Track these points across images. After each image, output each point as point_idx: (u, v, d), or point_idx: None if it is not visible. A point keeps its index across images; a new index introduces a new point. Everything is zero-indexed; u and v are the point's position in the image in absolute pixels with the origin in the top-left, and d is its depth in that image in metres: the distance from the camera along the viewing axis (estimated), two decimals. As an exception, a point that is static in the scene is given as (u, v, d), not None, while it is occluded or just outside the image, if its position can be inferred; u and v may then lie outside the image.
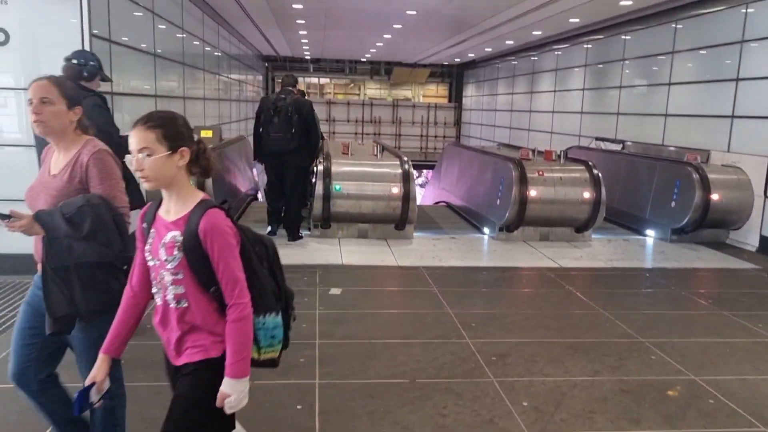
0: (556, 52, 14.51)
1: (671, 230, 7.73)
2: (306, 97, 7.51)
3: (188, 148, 1.97)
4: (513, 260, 6.71)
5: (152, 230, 2.00)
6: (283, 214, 7.19)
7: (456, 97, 24.14)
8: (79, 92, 2.57)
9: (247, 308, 1.93)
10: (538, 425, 3.19)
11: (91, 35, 5.31)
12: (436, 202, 11.39)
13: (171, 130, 1.95)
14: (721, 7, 8.50)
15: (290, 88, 6.91)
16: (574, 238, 7.62)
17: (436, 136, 23.27)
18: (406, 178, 7.23)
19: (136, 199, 4.04)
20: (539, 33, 13.56)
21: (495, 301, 5.29)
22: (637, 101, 10.86)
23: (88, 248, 2.29)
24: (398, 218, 7.27)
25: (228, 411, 1.92)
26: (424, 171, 21.39)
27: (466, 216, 9.08)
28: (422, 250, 6.92)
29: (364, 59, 23.20)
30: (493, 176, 8.11)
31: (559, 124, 14.10)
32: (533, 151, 8.30)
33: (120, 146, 4.09)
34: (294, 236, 7.10)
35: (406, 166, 7.33)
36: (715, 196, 7.35)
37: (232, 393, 1.90)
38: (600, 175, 7.49)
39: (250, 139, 9.24)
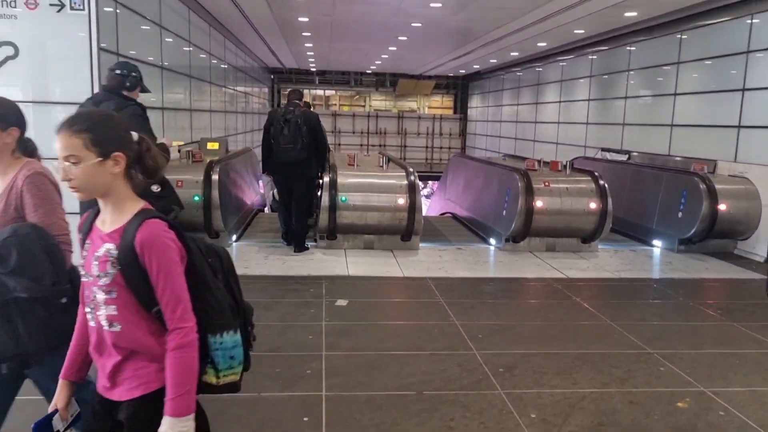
0: (561, 63, 14.54)
1: (678, 240, 7.69)
2: (312, 110, 7.63)
3: (123, 152, 1.74)
4: (519, 271, 6.68)
5: (88, 242, 1.80)
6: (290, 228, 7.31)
7: (461, 108, 24.19)
8: (12, 111, 2.44)
9: (190, 334, 1.69)
10: (547, 437, 3.17)
11: (99, 49, 5.36)
12: (442, 213, 11.38)
13: (100, 133, 1.72)
14: (726, 18, 8.50)
15: (297, 101, 7.07)
16: (580, 249, 7.60)
17: (441, 148, 23.30)
18: (412, 189, 7.23)
19: (173, 202, 4.18)
20: (544, 44, 13.59)
21: (502, 313, 5.27)
22: (642, 112, 10.86)
23: (18, 283, 2.11)
24: (404, 229, 7.27)
25: None
26: (430, 182, 21.40)
27: (472, 227, 9.07)
28: (428, 261, 6.91)
29: (370, 71, 23.29)
30: (499, 187, 8.11)
31: (565, 135, 14.10)
32: (539, 161, 8.30)
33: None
34: (300, 247, 7.14)
35: (412, 178, 7.34)
36: (722, 207, 7.32)
37: None
38: (606, 185, 7.47)
39: (256, 151, 9.28)
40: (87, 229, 1.82)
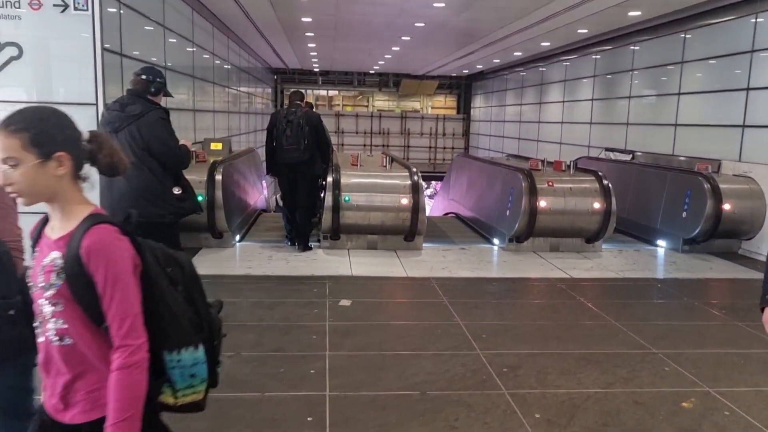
0: (564, 63, 14.52)
1: (683, 240, 7.67)
2: (314, 110, 7.69)
3: (67, 152, 1.59)
4: (523, 271, 6.67)
5: (36, 250, 1.67)
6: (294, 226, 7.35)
7: (464, 108, 24.17)
8: None
9: (138, 353, 1.53)
10: (551, 438, 3.16)
11: (103, 49, 5.37)
12: (445, 213, 11.37)
13: (40, 133, 1.56)
14: (731, 17, 8.48)
15: (298, 102, 7.15)
16: (584, 249, 7.58)
17: (444, 148, 23.29)
18: (416, 190, 7.22)
19: (194, 204, 4.32)
20: (548, 44, 13.57)
21: (506, 313, 5.26)
22: (646, 111, 10.83)
23: None
24: (407, 229, 7.26)
25: None
26: (433, 182, 21.39)
27: (476, 227, 9.06)
28: (432, 262, 6.90)
29: (373, 71, 23.29)
30: (502, 187, 8.10)
31: (569, 135, 14.08)
32: (542, 161, 8.28)
33: (179, 157, 4.29)
34: (304, 247, 7.17)
35: (416, 178, 7.33)
36: (726, 206, 7.30)
37: None
38: (610, 185, 7.45)
39: (260, 151, 9.29)
40: (37, 236, 1.69)
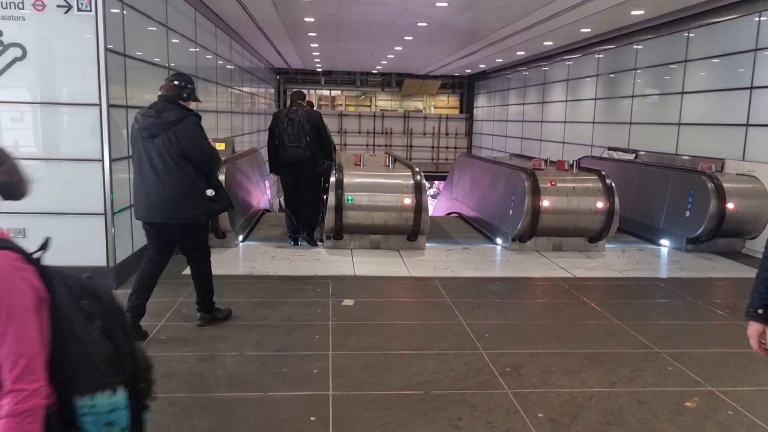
0: (567, 62, 14.50)
1: (686, 240, 7.66)
2: (315, 109, 7.83)
3: None
4: (526, 271, 6.67)
5: None
6: (301, 222, 7.53)
7: (467, 108, 24.15)
8: None
9: (31, 399, 1.32)
10: (554, 437, 3.16)
11: (107, 50, 5.38)
12: (448, 213, 11.37)
13: None
14: (734, 16, 8.46)
15: (300, 102, 7.29)
16: (587, 248, 7.57)
17: (447, 147, 23.27)
18: (418, 189, 7.23)
19: (225, 204, 4.52)
20: (550, 43, 13.55)
21: (509, 312, 5.26)
22: (649, 110, 10.82)
23: None
24: (410, 229, 7.26)
25: None
26: (436, 182, 21.38)
27: (479, 227, 9.06)
28: (435, 261, 6.90)
29: (375, 71, 23.29)
30: (505, 187, 8.09)
31: (571, 134, 14.06)
32: (545, 161, 8.28)
33: (214, 160, 4.47)
34: (312, 241, 7.40)
35: (418, 177, 7.34)
36: (730, 205, 7.28)
37: None
38: (613, 184, 7.45)
39: (263, 152, 9.30)
40: None
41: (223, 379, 3.76)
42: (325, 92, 25.82)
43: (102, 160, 5.44)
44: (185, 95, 4.44)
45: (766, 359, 4.20)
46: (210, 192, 4.40)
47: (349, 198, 7.15)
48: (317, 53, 17.40)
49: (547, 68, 15.82)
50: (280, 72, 22.92)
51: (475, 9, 9.85)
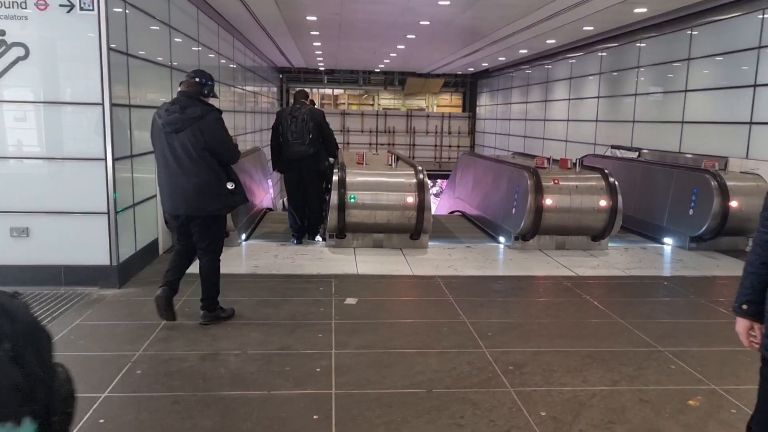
0: (570, 61, 14.48)
1: (689, 238, 7.64)
2: (317, 107, 7.89)
3: None
4: (529, 269, 6.67)
5: None
6: (306, 220, 7.62)
7: (470, 106, 24.13)
8: None
9: None
10: (557, 435, 3.16)
11: (109, 49, 5.39)
12: (451, 212, 11.37)
13: None
14: (737, 14, 8.44)
15: (303, 100, 7.37)
16: (590, 247, 7.57)
17: (450, 146, 23.26)
18: (421, 188, 7.23)
19: (240, 198, 4.63)
20: (553, 42, 13.53)
21: (511, 310, 5.26)
22: (652, 109, 10.79)
23: None
24: (413, 228, 7.26)
25: None
26: (439, 180, 21.38)
27: (482, 225, 9.05)
28: (437, 260, 6.91)
29: (378, 70, 23.28)
30: (508, 185, 8.09)
31: (574, 133, 14.05)
32: (548, 159, 8.27)
33: (235, 155, 4.61)
34: (313, 235, 7.54)
35: (421, 176, 7.33)
36: (733, 204, 7.27)
37: None
38: (616, 183, 7.44)
39: (266, 151, 9.31)
40: None
41: (225, 377, 3.77)
42: (328, 91, 25.82)
43: (105, 159, 5.45)
44: (206, 92, 4.58)
45: None
46: (231, 185, 4.53)
47: (352, 197, 7.15)
48: (320, 52, 17.40)
49: (549, 66, 15.80)
50: (283, 71, 22.93)
51: (477, 7, 9.84)
